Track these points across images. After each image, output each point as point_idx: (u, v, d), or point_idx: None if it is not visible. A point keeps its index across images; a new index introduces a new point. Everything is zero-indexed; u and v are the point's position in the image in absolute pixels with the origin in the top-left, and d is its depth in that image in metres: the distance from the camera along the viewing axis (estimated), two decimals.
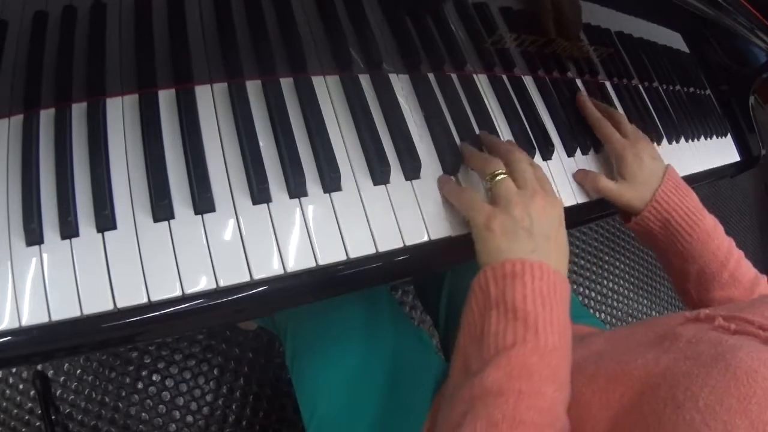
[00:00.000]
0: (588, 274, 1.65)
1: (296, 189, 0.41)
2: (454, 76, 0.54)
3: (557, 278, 0.40)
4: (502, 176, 0.44)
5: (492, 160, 0.45)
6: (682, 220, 0.55)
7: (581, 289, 1.62)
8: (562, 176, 0.57)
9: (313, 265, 0.40)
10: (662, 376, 0.34)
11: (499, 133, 0.54)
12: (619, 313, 1.67)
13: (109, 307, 0.35)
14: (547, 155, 0.56)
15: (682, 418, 0.30)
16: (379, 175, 0.45)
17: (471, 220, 0.43)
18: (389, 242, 0.43)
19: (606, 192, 0.56)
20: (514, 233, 0.41)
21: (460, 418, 0.35)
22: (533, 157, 0.54)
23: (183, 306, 0.37)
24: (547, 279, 0.39)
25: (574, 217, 0.56)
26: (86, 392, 0.96)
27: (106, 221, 0.36)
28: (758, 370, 0.30)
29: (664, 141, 0.73)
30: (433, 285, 0.73)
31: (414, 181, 0.46)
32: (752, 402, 0.29)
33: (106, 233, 0.36)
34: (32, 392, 0.93)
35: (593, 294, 1.64)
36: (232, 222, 0.39)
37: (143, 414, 0.99)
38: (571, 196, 0.56)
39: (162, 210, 0.38)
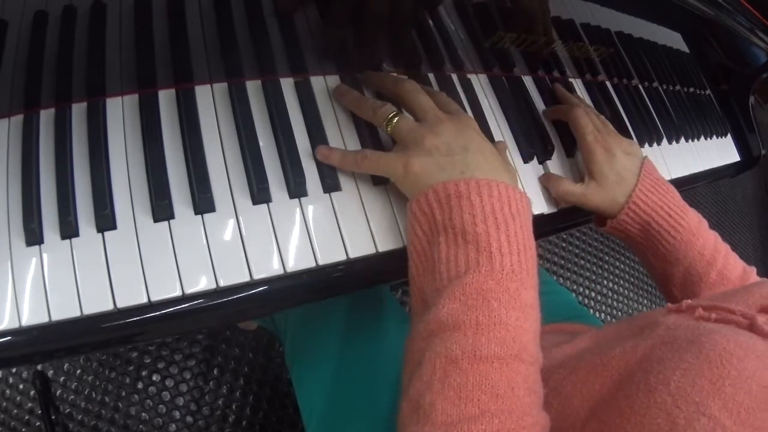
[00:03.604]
0: (588, 274, 1.65)
1: (296, 189, 0.41)
2: (453, 76, 0.54)
3: (509, 192, 0.37)
4: (397, 117, 0.41)
5: (380, 105, 0.42)
6: (664, 221, 0.51)
7: (581, 289, 1.62)
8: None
9: (313, 265, 0.40)
10: (638, 364, 0.34)
11: (499, 133, 0.54)
12: (619, 313, 1.67)
13: (109, 307, 0.35)
14: (546, 155, 0.56)
15: (653, 400, 0.29)
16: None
17: (390, 176, 0.41)
18: (390, 242, 0.43)
19: (569, 197, 0.51)
20: (437, 165, 0.38)
21: (419, 355, 0.33)
22: (533, 158, 0.54)
23: (183, 306, 0.37)
24: (498, 195, 0.36)
25: (569, 218, 0.56)
26: (86, 392, 0.96)
27: (106, 221, 0.36)
28: (733, 352, 0.30)
29: (664, 141, 0.73)
30: None
31: None
32: (725, 384, 0.28)
33: (106, 233, 0.36)
34: (32, 392, 0.93)
35: (593, 294, 1.64)
36: (232, 222, 0.39)
37: (143, 414, 0.99)
38: None
39: (162, 210, 0.38)
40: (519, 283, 0.34)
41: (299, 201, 0.42)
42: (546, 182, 0.53)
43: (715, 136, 0.85)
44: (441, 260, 0.35)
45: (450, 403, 0.30)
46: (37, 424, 0.93)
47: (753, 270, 0.54)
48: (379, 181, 0.44)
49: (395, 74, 0.48)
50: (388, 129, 0.42)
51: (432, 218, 0.37)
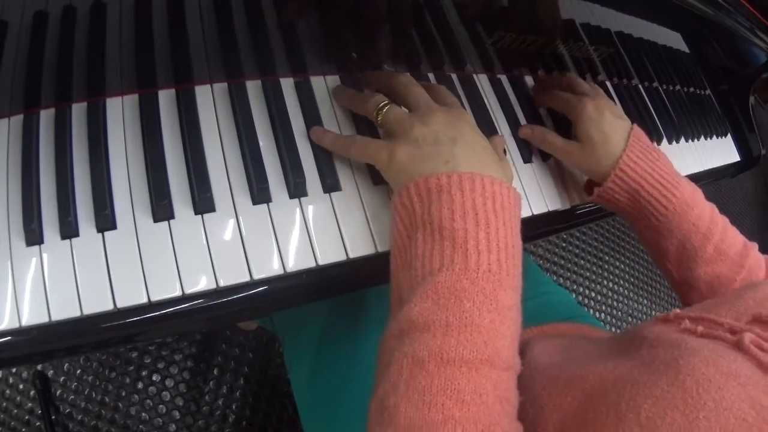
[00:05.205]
0: (588, 274, 1.65)
1: (296, 189, 0.41)
2: (454, 75, 0.54)
3: (494, 186, 0.35)
4: (388, 105, 0.40)
5: (373, 95, 0.41)
6: (654, 190, 0.47)
7: (581, 289, 1.62)
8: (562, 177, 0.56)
9: (313, 265, 0.40)
10: (612, 383, 0.31)
11: (499, 133, 0.54)
12: (619, 313, 1.67)
13: (109, 307, 0.35)
14: (547, 155, 0.56)
15: (621, 430, 0.27)
16: (379, 174, 0.44)
17: (375, 163, 0.40)
18: (389, 242, 0.43)
19: (549, 147, 0.51)
20: (422, 155, 0.37)
21: (389, 355, 0.32)
22: (532, 157, 0.54)
23: (183, 306, 0.37)
24: (481, 189, 0.34)
25: (566, 220, 0.56)
26: (86, 392, 0.96)
27: (106, 221, 0.36)
28: (712, 378, 0.27)
29: (664, 141, 0.73)
30: None
31: None
32: (700, 416, 0.25)
33: (106, 233, 0.36)
34: (32, 392, 0.93)
35: (593, 294, 1.64)
36: (232, 222, 0.39)
37: (143, 414, 0.99)
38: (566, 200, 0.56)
39: (162, 210, 0.38)
40: (496, 284, 0.32)
41: (299, 201, 0.42)
42: (530, 133, 0.53)
43: (715, 136, 0.85)
44: (417, 256, 0.34)
45: (413, 406, 0.29)
46: (37, 424, 0.93)
47: (754, 246, 0.51)
48: (379, 181, 0.44)
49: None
50: (379, 119, 0.41)
51: (412, 212, 0.35)
